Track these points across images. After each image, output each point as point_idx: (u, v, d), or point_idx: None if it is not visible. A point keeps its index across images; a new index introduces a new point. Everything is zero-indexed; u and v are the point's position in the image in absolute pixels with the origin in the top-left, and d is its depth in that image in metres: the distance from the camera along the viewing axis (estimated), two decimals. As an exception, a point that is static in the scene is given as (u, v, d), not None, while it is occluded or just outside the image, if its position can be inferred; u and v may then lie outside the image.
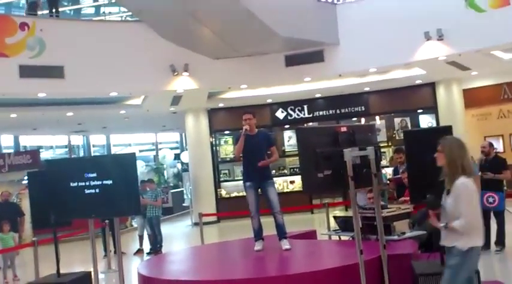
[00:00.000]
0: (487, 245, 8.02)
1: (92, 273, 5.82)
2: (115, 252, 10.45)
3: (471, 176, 3.84)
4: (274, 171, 16.92)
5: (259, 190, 6.34)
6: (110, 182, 5.15)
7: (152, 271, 5.90)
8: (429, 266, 4.83)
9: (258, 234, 6.32)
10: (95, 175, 5.17)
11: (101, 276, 8.90)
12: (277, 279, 4.96)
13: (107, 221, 9.77)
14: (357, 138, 4.90)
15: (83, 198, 5.21)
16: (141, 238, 11.58)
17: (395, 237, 5.78)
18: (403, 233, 5.94)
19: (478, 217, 3.84)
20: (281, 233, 6.26)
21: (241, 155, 6.39)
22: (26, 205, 14.33)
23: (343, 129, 4.91)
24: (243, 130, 6.25)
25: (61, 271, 5.84)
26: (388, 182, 7.99)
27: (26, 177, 15.39)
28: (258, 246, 6.27)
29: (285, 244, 6.18)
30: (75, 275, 5.87)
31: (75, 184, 5.23)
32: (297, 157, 15.91)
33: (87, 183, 5.19)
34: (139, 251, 11.35)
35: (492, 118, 15.38)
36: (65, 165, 5.84)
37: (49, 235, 5.83)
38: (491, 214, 8.08)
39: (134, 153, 5.82)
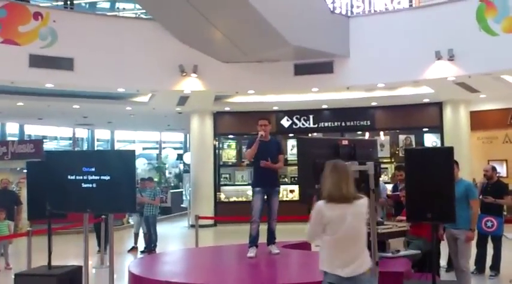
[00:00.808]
0: (481, 269, 7.99)
1: (83, 268, 5.79)
2: (100, 248, 10.43)
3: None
4: (275, 179, 16.90)
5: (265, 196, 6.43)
6: (107, 177, 5.14)
7: (143, 270, 5.88)
8: (421, 286, 4.79)
9: (254, 241, 6.36)
10: (93, 169, 5.17)
11: (92, 271, 8.89)
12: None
13: (103, 216, 9.76)
14: (357, 152, 4.86)
15: (80, 192, 5.20)
16: (136, 236, 11.56)
17: (389, 254, 5.74)
18: (398, 251, 5.89)
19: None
20: (271, 238, 6.46)
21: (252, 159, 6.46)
22: (25, 194, 14.44)
23: (345, 142, 4.88)
24: (259, 136, 6.32)
25: (53, 264, 5.82)
26: (387, 197, 7.94)
27: (27, 166, 15.54)
28: (251, 253, 6.30)
29: (274, 249, 6.40)
30: (66, 269, 5.85)
31: (73, 177, 5.22)
32: (297, 167, 15.82)
33: (85, 177, 5.18)
34: (134, 249, 11.32)
35: (497, 143, 15.31)
36: (64, 157, 5.84)
37: (45, 226, 5.80)
38: (489, 238, 8.06)
39: (134, 150, 5.81)
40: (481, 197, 7.97)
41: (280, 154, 6.52)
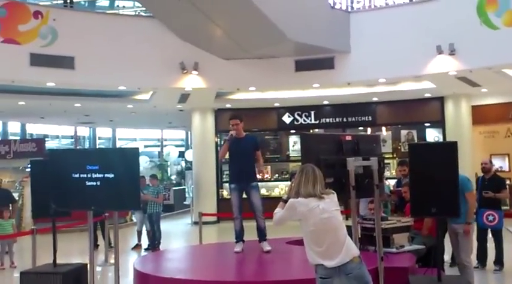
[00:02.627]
0: (484, 263, 8.00)
1: (88, 265, 5.80)
2: (105, 246, 10.46)
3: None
4: (277, 175, 16.94)
5: (244, 193, 6.46)
6: (111, 175, 5.14)
7: (149, 267, 5.88)
8: (426, 281, 4.80)
9: (239, 236, 6.44)
10: (97, 167, 5.17)
11: (97, 269, 8.91)
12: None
13: (106, 214, 9.78)
14: (361, 147, 4.88)
15: (84, 190, 5.20)
16: (139, 233, 11.58)
17: (394, 250, 5.74)
18: (402, 246, 5.89)
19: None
20: (261, 235, 6.44)
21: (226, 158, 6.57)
22: (27, 193, 14.47)
23: (348, 138, 4.89)
24: (229, 136, 6.43)
25: (58, 261, 5.83)
26: (390, 193, 7.94)
27: (29, 165, 15.55)
28: (237, 248, 6.36)
29: (266, 246, 6.35)
30: (71, 267, 5.85)
31: (77, 175, 5.22)
32: (301, 163, 15.88)
33: (89, 175, 5.18)
34: (137, 247, 11.34)
35: (499, 137, 15.31)
36: (68, 156, 5.82)
37: (49, 224, 5.81)
38: (489, 232, 8.08)
39: (138, 148, 5.82)
40: (475, 192, 8.02)
41: (258, 151, 6.55)
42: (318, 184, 3.90)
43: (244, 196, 6.50)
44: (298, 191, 3.90)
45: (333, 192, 3.99)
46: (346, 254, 3.76)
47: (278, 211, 4.06)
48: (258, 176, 6.73)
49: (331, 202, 3.88)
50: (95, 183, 5.17)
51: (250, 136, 6.84)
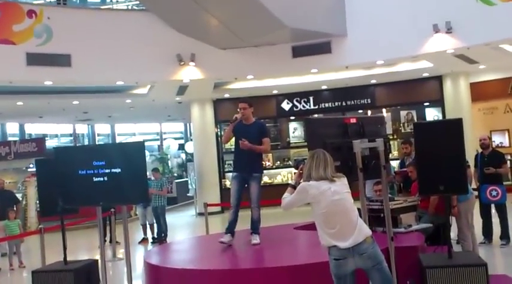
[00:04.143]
0: (490, 238, 8.05)
1: (99, 261, 5.83)
2: (110, 241, 10.50)
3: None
4: (278, 162, 16.96)
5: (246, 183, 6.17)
6: (118, 170, 5.15)
7: (159, 259, 5.92)
8: (436, 258, 4.82)
9: (229, 227, 6.17)
10: (103, 163, 5.17)
11: (107, 264, 8.95)
12: (282, 270, 4.95)
13: (112, 209, 9.81)
14: (366, 129, 4.87)
15: (92, 186, 5.21)
16: (144, 227, 11.63)
17: (402, 230, 5.77)
18: (410, 225, 5.93)
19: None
20: (254, 228, 6.18)
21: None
22: (31, 193, 14.49)
23: (353, 121, 4.87)
24: (233, 118, 6.16)
25: (67, 259, 5.86)
26: (394, 174, 7.96)
27: (31, 165, 15.53)
28: (225, 238, 6.11)
29: (255, 239, 6.10)
30: (82, 263, 5.88)
31: (84, 172, 5.23)
32: (302, 149, 16.04)
33: (96, 171, 5.19)
34: (144, 240, 11.39)
35: (498, 113, 15.33)
36: (73, 153, 5.83)
37: (54, 222, 5.83)
38: (493, 208, 8.12)
39: (143, 142, 5.81)
40: (475, 169, 8.07)
41: (265, 138, 6.22)
42: (328, 168, 3.97)
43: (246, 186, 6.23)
44: (310, 175, 3.96)
45: (343, 175, 4.06)
46: (359, 234, 3.82)
47: (286, 196, 4.11)
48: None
49: (342, 185, 3.95)
50: (102, 179, 5.17)
51: (259, 123, 6.41)
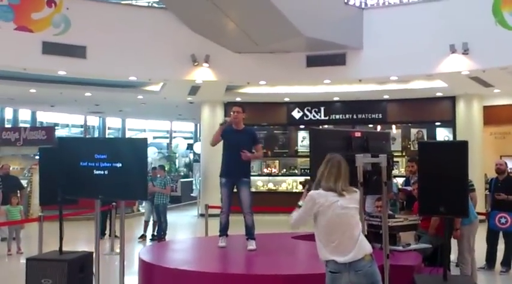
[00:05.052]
0: (492, 265, 7.95)
1: (94, 254, 5.82)
2: (109, 235, 10.52)
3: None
4: (284, 170, 16.92)
5: (235, 187, 6.21)
6: (119, 165, 5.13)
7: (153, 257, 5.91)
8: (431, 280, 4.76)
9: (224, 230, 6.24)
10: (105, 156, 5.16)
11: (103, 258, 8.95)
12: (276, 278, 4.92)
13: (113, 203, 9.83)
14: (370, 144, 4.84)
15: (92, 178, 5.19)
16: (146, 223, 11.64)
17: (400, 248, 5.71)
18: (408, 244, 5.86)
19: None
20: (249, 234, 6.18)
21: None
22: (36, 180, 14.55)
23: (357, 134, 4.85)
24: (223, 120, 6.21)
25: (64, 249, 5.85)
26: (398, 192, 7.90)
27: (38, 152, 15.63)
28: (222, 242, 6.17)
29: (251, 245, 6.09)
30: (77, 254, 5.86)
31: (85, 163, 5.22)
32: (309, 158, 15.89)
33: (97, 164, 5.18)
34: (142, 237, 11.39)
35: (510, 138, 15.18)
36: (76, 144, 5.83)
37: (56, 211, 5.83)
38: (501, 234, 8.02)
39: (146, 138, 5.80)
40: (489, 193, 7.95)
41: (258, 144, 6.32)
42: (340, 181, 3.84)
43: (235, 190, 6.24)
44: (320, 183, 3.87)
45: (356, 190, 3.96)
46: (359, 251, 3.74)
47: (294, 215, 3.95)
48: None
49: (350, 200, 3.84)
50: (102, 172, 5.16)
51: (249, 129, 6.45)
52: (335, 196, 3.79)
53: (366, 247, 3.81)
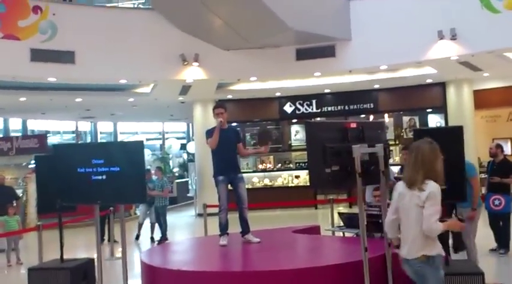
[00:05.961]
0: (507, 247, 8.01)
1: (96, 260, 5.82)
2: (108, 240, 10.50)
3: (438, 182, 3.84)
4: (279, 165, 16.94)
5: (230, 184, 6.34)
6: (117, 169, 5.14)
7: (156, 260, 5.90)
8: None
9: (224, 229, 6.31)
10: (102, 161, 5.15)
11: (104, 263, 8.94)
12: (278, 273, 4.93)
13: (111, 208, 9.80)
14: (366, 134, 4.85)
15: (90, 184, 5.19)
16: (140, 226, 11.64)
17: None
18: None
19: None
20: (246, 228, 6.32)
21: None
22: (31, 189, 14.48)
23: (353, 125, 4.85)
24: (218, 123, 6.25)
25: (64, 257, 5.85)
26: (394, 180, 7.94)
27: (33, 161, 15.53)
28: (223, 241, 6.24)
29: (253, 238, 6.27)
30: (79, 262, 5.88)
31: (83, 170, 5.21)
32: (303, 152, 16.02)
33: (94, 169, 5.17)
34: (138, 238, 11.43)
35: (501, 121, 15.28)
36: (72, 150, 5.82)
37: (54, 219, 5.82)
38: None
39: (142, 141, 5.80)
40: (484, 176, 8.00)
41: (239, 143, 6.50)
42: (418, 173, 3.79)
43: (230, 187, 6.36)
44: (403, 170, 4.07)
45: (430, 186, 3.76)
46: (413, 249, 3.84)
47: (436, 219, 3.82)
48: (262, 149, 6.71)
49: (416, 196, 3.80)
50: (100, 177, 5.15)
51: (233, 128, 6.80)
52: (405, 188, 3.94)
53: (423, 247, 3.86)
